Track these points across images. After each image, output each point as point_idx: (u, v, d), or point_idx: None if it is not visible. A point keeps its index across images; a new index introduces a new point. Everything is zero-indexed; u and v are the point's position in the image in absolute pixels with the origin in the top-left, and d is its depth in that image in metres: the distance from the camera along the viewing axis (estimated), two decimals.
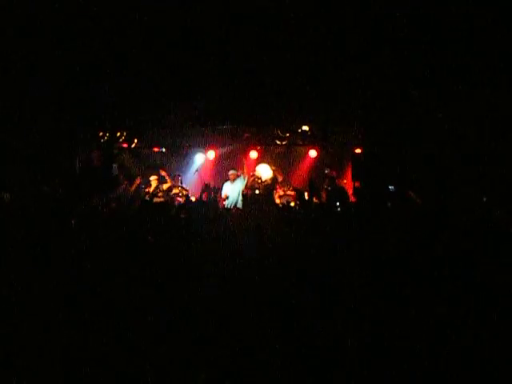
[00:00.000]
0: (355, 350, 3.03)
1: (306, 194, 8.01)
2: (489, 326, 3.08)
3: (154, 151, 11.76)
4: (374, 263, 3.72)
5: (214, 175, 11.06)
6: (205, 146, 11.37)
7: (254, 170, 10.18)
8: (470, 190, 7.66)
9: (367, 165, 10.13)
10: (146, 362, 2.98)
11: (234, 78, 8.14)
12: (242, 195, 8.84)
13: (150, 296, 3.46)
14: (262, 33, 7.12)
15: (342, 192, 9.43)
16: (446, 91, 8.22)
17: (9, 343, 3.11)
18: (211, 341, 3.12)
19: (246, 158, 11.23)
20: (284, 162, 11.30)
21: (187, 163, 11.71)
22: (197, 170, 10.55)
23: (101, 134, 10.79)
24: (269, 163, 10.72)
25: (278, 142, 11.10)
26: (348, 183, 10.67)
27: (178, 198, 9.98)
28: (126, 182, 10.00)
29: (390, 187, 4.97)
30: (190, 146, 11.40)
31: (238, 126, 10.61)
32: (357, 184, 8.99)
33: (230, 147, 11.39)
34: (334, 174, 10.13)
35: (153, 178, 10.15)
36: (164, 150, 11.67)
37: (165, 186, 9.99)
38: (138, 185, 10.05)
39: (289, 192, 9.83)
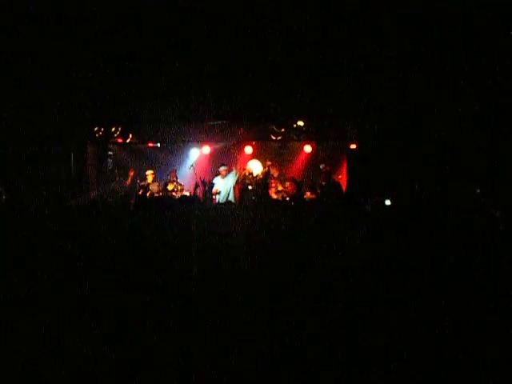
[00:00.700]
0: (351, 348, 3.05)
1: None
2: (488, 325, 3.10)
3: (149, 146, 11.75)
4: (369, 259, 3.73)
5: (209, 170, 11.06)
6: (200, 142, 11.35)
7: (246, 166, 10.22)
8: (466, 184, 7.70)
9: (362, 160, 10.18)
10: (144, 358, 3.00)
11: (229, 73, 8.13)
12: (238, 190, 8.86)
13: (145, 291, 3.46)
14: (255, 28, 7.11)
15: (336, 187, 9.46)
16: (442, 86, 8.25)
17: (9, 343, 3.12)
18: (209, 336, 3.13)
19: (240, 153, 11.24)
20: (279, 158, 11.32)
21: (182, 158, 11.72)
22: (192, 166, 10.55)
23: (95, 129, 10.77)
24: (264, 158, 10.74)
25: (273, 138, 11.08)
26: (343, 178, 10.72)
27: (174, 194, 10.00)
28: (120, 178, 10.02)
29: (387, 202, 4.99)
30: (184, 141, 11.37)
31: (232, 121, 10.60)
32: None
33: (225, 142, 11.39)
34: (329, 169, 10.16)
35: (149, 173, 10.15)
36: (159, 145, 11.65)
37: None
38: (133, 177, 10.06)
39: (285, 186, 9.87)
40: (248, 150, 11.36)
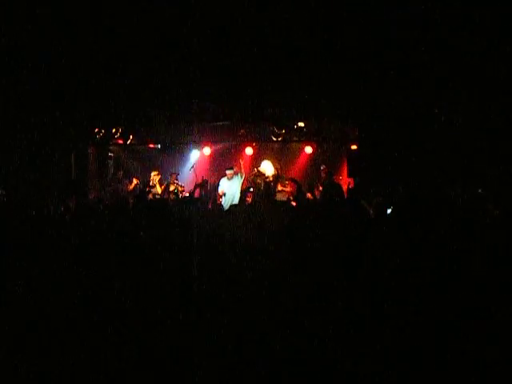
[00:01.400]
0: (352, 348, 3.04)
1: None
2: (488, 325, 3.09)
3: (150, 148, 11.74)
4: (368, 259, 3.71)
5: (210, 172, 11.04)
6: (200, 143, 11.34)
7: (257, 166, 10.18)
8: (466, 184, 7.69)
9: (363, 161, 10.16)
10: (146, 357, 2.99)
11: (230, 74, 8.12)
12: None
13: (145, 291, 3.45)
14: (257, 29, 7.10)
15: (337, 188, 9.42)
16: (442, 87, 8.24)
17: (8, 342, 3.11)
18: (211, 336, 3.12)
19: (241, 154, 11.22)
20: (280, 159, 11.30)
21: (183, 159, 11.71)
22: (192, 167, 10.54)
23: (96, 130, 10.77)
24: (271, 160, 10.76)
25: (274, 139, 11.08)
26: (344, 179, 10.69)
27: (173, 195, 9.99)
28: (126, 181, 10.00)
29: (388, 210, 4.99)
30: (185, 142, 11.37)
31: (233, 122, 10.60)
32: (351, 185, 9.05)
33: (226, 143, 11.38)
34: (330, 170, 10.13)
35: (154, 174, 10.15)
36: (159, 146, 11.64)
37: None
38: (136, 185, 10.04)
39: (286, 188, 9.85)
40: (248, 151, 11.35)
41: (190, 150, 11.61)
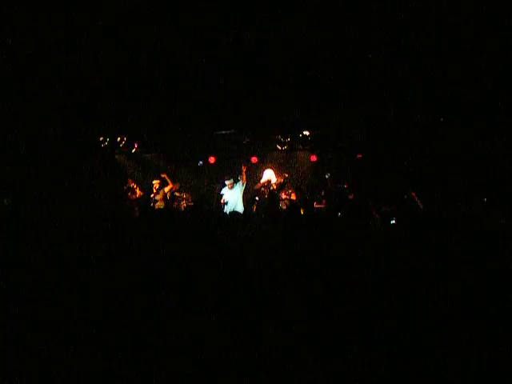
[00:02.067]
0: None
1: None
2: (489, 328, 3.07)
3: (154, 156, 11.76)
4: (373, 264, 3.69)
5: (214, 180, 11.04)
6: (205, 151, 11.36)
7: (260, 175, 10.20)
8: (470, 193, 7.67)
9: (367, 169, 10.16)
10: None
11: (235, 83, 8.14)
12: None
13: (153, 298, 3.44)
14: (262, 39, 7.11)
15: (342, 196, 9.41)
16: (447, 97, 8.23)
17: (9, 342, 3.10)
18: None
19: (246, 162, 11.22)
20: (285, 167, 11.29)
21: (187, 168, 11.72)
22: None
23: (101, 139, 10.81)
24: (277, 169, 10.76)
25: (279, 147, 11.09)
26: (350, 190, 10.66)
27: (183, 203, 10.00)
28: (129, 186, 9.98)
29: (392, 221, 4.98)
30: (190, 150, 11.39)
31: (239, 131, 10.62)
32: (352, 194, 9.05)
33: (231, 152, 11.39)
34: (335, 178, 10.13)
35: (155, 182, 10.14)
36: (164, 155, 11.66)
37: (166, 189, 9.99)
38: (141, 195, 10.04)
39: (290, 196, 9.84)
40: (253, 159, 11.36)
41: (195, 159, 11.61)
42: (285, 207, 9.16)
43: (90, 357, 3.03)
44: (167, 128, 10.05)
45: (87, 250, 4.02)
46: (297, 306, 3.36)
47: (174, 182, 10.12)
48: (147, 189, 10.11)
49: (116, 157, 11.55)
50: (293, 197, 9.74)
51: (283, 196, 9.78)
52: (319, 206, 8.47)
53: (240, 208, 9.43)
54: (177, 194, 10.12)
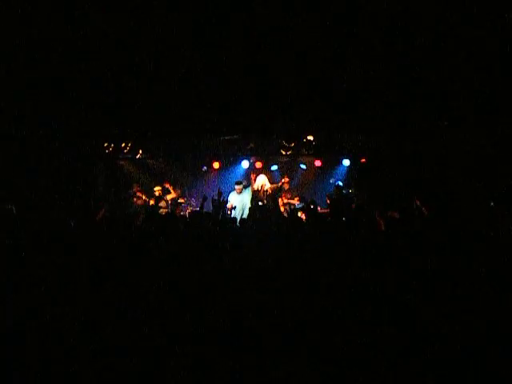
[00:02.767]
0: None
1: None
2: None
3: (159, 162, 11.77)
4: (376, 270, 3.67)
5: (219, 185, 11.05)
6: (210, 156, 11.37)
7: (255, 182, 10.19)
8: (476, 198, 7.62)
9: (372, 174, 10.14)
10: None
11: (239, 88, 8.14)
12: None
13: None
14: (266, 44, 7.12)
15: (347, 201, 9.39)
16: (451, 100, 8.21)
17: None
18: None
19: (251, 168, 11.22)
20: (289, 172, 11.29)
21: (192, 174, 11.73)
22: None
23: (105, 144, 10.83)
24: (279, 174, 10.74)
25: (283, 152, 11.09)
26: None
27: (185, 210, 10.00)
28: (133, 192, 9.98)
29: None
30: (194, 156, 11.40)
31: (243, 136, 10.62)
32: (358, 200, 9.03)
33: (235, 157, 11.40)
34: (340, 183, 10.12)
35: (156, 189, 10.14)
36: (168, 160, 11.67)
37: (168, 197, 9.98)
38: (144, 202, 10.04)
39: (292, 200, 9.84)
40: (258, 164, 11.36)
41: (199, 164, 11.62)
42: (287, 211, 9.15)
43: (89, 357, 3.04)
44: (171, 133, 10.04)
45: (90, 257, 4.01)
46: (297, 308, 3.35)
47: (175, 190, 10.12)
48: (152, 195, 10.13)
49: (121, 162, 11.58)
50: (296, 201, 9.73)
51: (285, 200, 9.77)
52: (323, 211, 8.44)
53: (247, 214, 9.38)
54: (181, 200, 10.12)
